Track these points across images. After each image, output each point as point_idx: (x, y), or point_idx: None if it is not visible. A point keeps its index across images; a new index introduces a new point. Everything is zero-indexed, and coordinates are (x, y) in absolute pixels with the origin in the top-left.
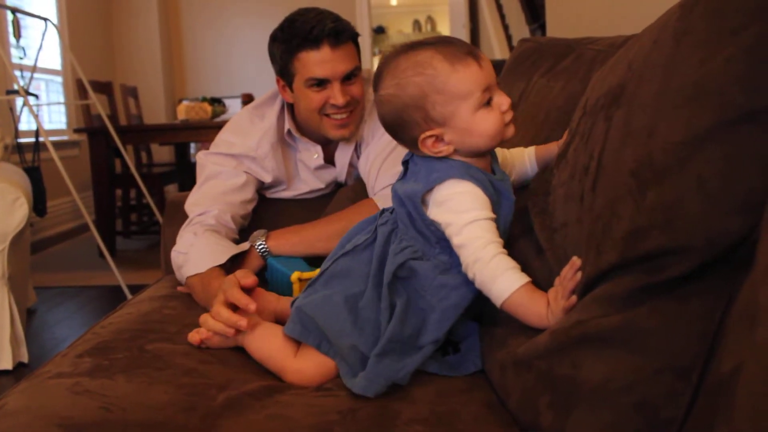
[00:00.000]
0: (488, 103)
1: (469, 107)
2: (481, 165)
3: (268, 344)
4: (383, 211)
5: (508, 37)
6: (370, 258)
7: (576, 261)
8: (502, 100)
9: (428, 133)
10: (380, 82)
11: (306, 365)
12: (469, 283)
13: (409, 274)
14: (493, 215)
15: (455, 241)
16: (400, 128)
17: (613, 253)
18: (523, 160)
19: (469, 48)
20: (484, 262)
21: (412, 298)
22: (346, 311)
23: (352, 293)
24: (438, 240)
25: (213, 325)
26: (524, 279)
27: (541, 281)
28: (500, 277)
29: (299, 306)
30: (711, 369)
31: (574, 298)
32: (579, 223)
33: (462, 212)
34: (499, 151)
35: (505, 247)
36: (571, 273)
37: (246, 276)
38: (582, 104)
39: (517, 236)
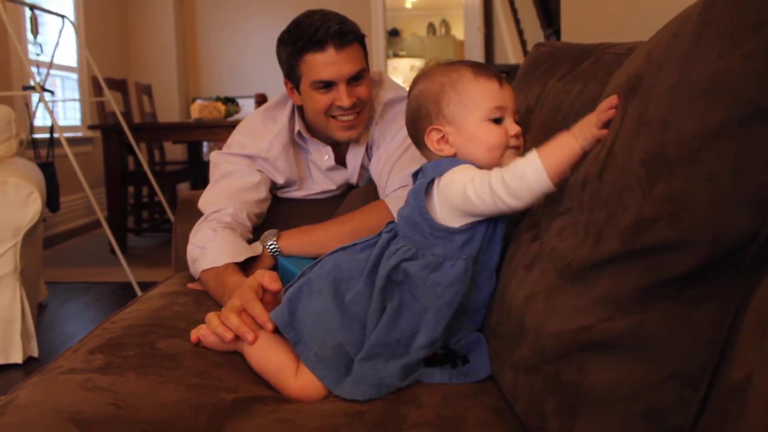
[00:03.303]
0: (498, 121)
1: (478, 115)
2: None
3: (269, 359)
4: (391, 221)
5: (523, 42)
6: (366, 258)
7: (614, 98)
8: (513, 126)
9: (436, 126)
10: (414, 85)
11: (308, 382)
12: (460, 280)
13: (403, 278)
14: None
15: (470, 190)
16: (416, 121)
17: (616, 242)
18: None
19: (498, 73)
20: (501, 175)
21: (405, 301)
22: (335, 306)
23: (341, 288)
24: (431, 230)
25: (216, 326)
26: (537, 150)
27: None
28: (527, 166)
29: (290, 298)
30: (721, 377)
31: (604, 131)
32: (580, 208)
33: (468, 172)
34: None
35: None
36: (606, 106)
37: (272, 282)
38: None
39: (525, 239)
